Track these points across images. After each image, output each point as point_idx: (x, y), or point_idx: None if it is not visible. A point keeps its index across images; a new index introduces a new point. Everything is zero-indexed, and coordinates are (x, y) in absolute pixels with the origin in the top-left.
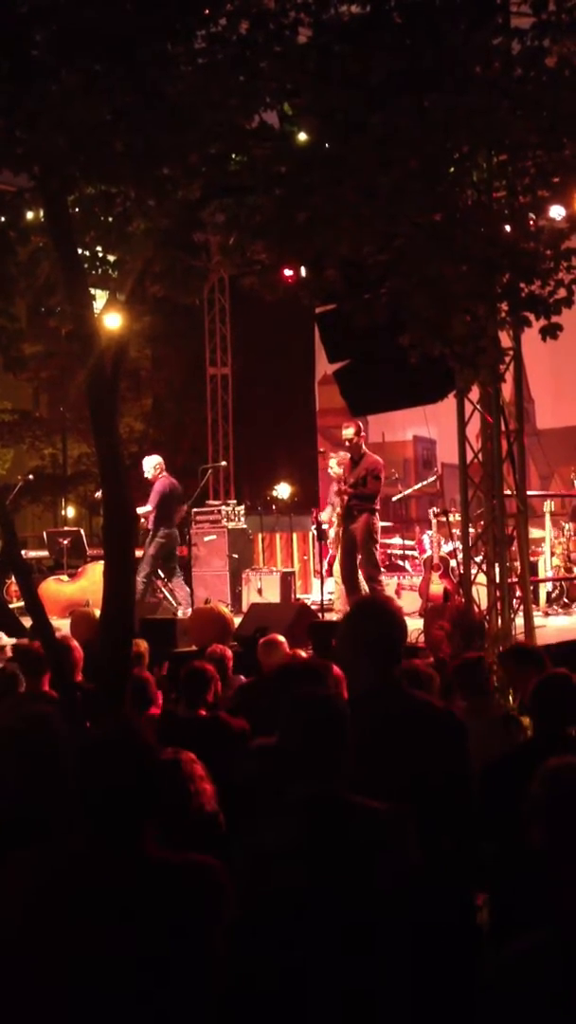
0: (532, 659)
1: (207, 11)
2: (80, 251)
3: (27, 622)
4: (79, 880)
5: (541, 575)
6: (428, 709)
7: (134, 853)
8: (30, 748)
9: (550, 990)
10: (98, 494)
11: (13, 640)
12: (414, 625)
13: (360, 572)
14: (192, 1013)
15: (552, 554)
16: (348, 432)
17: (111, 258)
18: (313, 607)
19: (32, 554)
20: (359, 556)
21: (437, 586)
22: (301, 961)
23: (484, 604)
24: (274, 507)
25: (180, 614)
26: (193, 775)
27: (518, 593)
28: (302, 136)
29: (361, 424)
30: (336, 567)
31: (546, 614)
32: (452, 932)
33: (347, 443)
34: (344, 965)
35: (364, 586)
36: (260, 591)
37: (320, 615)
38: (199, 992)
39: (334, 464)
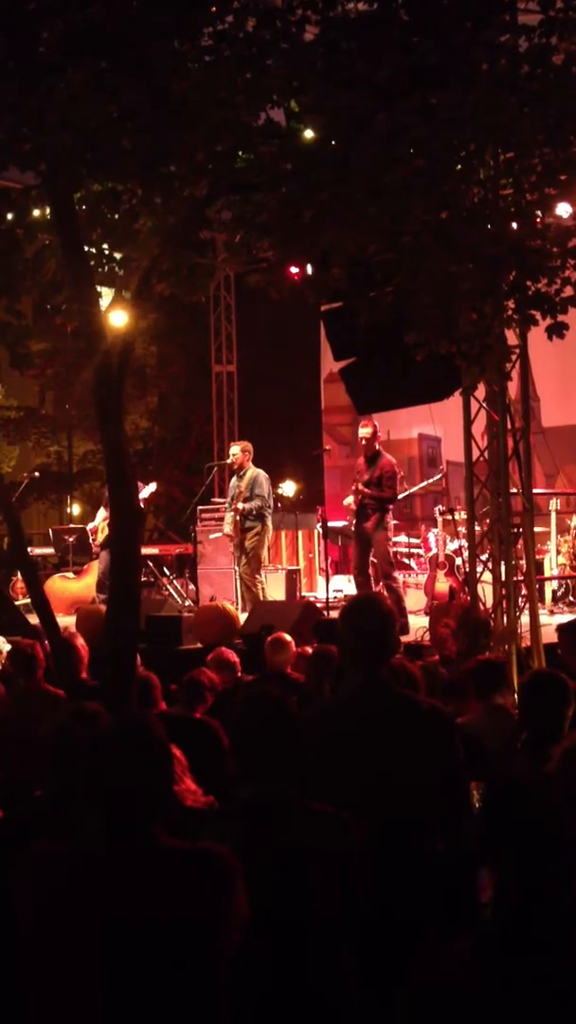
0: None
1: (214, 9)
2: (86, 248)
3: (33, 619)
4: (98, 871)
5: (547, 573)
6: (415, 707)
7: (147, 842)
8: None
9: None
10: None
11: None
12: (420, 623)
13: (372, 571)
14: (210, 991)
15: (558, 552)
16: (365, 431)
17: (117, 255)
18: (318, 605)
19: (38, 551)
20: (371, 554)
21: (443, 584)
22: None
23: (490, 602)
24: (279, 505)
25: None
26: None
27: (524, 591)
28: (308, 134)
29: (377, 424)
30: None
31: (552, 612)
32: (449, 932)
33: (363, 442)
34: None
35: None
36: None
37: (325, 613)
38: (217, 973)
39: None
